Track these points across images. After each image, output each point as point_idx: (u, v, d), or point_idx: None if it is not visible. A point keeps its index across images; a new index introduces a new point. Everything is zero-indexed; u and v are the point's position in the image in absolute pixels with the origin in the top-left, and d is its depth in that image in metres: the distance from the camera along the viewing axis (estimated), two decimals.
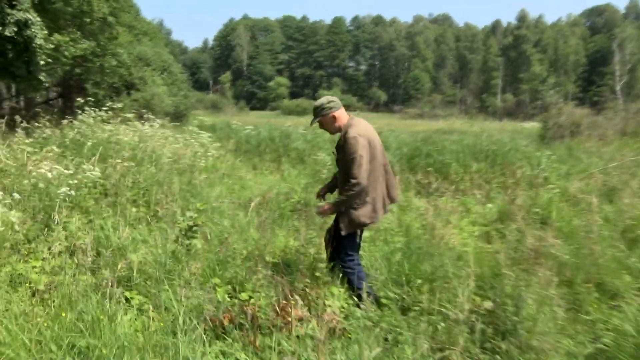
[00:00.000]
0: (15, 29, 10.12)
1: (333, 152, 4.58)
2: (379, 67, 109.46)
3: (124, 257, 4.77)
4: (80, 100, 10.10)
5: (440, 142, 12.38)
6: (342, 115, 4.33)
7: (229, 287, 4.47)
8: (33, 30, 10.52)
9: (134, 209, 6.21)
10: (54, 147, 7.06)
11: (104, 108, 10.21)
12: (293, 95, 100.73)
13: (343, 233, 4.23)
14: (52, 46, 12.31)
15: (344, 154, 4.13)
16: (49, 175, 5.51)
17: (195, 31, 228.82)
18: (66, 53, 14.52)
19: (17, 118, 8.58)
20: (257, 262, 4.82)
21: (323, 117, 4.32)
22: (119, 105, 10.49)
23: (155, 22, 69.18)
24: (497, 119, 67.83)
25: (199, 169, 9.59)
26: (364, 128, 4.26)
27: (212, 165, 10.62)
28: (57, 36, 13.52)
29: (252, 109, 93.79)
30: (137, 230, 5.66)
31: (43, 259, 4.78)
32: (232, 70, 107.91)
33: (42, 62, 11.31)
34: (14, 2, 10.02)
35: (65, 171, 5.75)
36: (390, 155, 10.05)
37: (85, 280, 4.55)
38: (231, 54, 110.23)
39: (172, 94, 39.53)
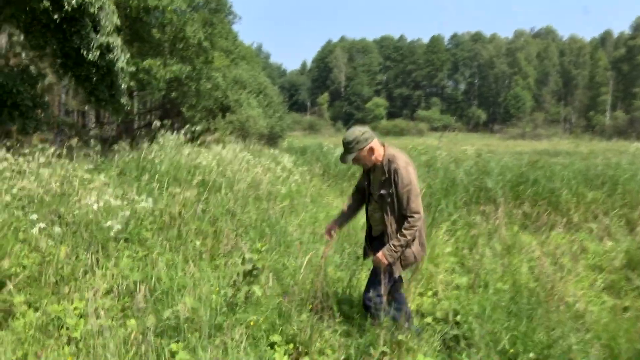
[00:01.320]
0: (98, 53, 10.20)
1: (360, 188, 4.27)
2: (478, 86, 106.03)
3: (174, 301, 4.24)
4: (161, 123, 9.94)
5: (548, 166, 11.06)
6: (378, 146, 3.90)
7: (291, 346, 3.78)
8: (115, 54, 10.58)
9: (197, 242, 5.70)
10: (101, 177, 6.66)
11: (183, 131, 9.99)
12: (390, 115, 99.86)
13: (396, 275, 3.91)
14: (133, 69, 12.42)
15: (395, 186, 3.75)
16: (94, 207, 5.10)
17: (293, 54, 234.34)
18: (157, 76, 14.76)
19: (75, 143, 8.37)
20: (327, 315, 4.10)
21: (360, 151, 3.83)
22: (199, 128, 10.23)
23: (254, 47, 71.31)
24: (606, 138, 63.06)
25: (279, 195, 9.05)
26: (406, 156, 3.94)
27: (296, 190, 10.07)
28: (148, 61, 13.74)
29: (349, 128, 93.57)
30: (197, 267, 5.15)
31: (86, 300, 4.34)
32: (330, 91, 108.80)
33: (123, 86, 11.39)
34: (97, 28, 10.11)
35: (113, 202, 5.32)
36: (491, 182, 9.01)
37: (130, 325, 4.08)
38: (329, 75, 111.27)
39: (267, 116, 40.12)
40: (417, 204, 3.70)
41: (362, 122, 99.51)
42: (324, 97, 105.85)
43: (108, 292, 4.75)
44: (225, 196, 7.33)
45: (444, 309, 4.55)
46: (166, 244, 5.44)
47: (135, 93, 29.92)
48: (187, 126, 10.12)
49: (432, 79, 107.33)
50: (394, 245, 3.73)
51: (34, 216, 5.10)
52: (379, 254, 3.80)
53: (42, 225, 4.88)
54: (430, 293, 5.13)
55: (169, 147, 9.85)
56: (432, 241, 6.35)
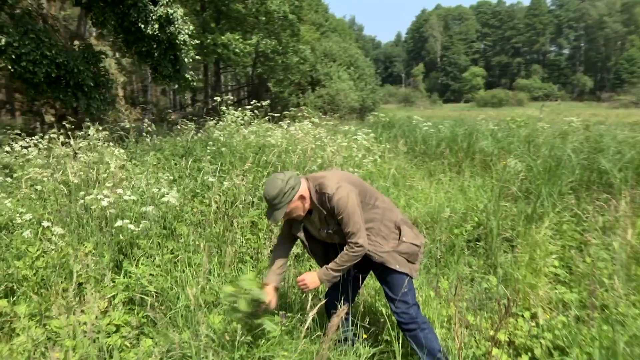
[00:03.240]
0: (157, 26, 9.58)
1: (288, 236, 3.55)
2: (584, 50, 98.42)
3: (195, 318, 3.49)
4: (237, 99, 9.21)
5: None
6: (306, 189, 3.24)
7: None
8: (176, 25, 9.93)
9: (244, 238, 4.89)
10: (134, 163, 5.94)
11: (248, 107, 9.21)
12: (489, 85, 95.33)
13: (415, 275, 3.32)
14: (197, 42, 11.79)
15: (337, 216, 3.14)
16: (104, 203, 4.36)
17: (388, 25, 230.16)
18: (236, 50, 14.16)
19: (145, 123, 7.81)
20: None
21: (290, 204, 3.16)
22: (265, 103, 9.42)
23: (346, 19, 70.00)
24: None
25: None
26: (331, 173, 3.31)
27: (377, 172, 9.04)
28: (227, 35, 13.11)
29: (446, 101, 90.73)
30: (235, 274, 4.36)
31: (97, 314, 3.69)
32: (425, 62, 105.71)
33: (187, 60, 10.76)
34: None
35: (127, 197, 4.56)
36: (607, 162, 7.50)
37: (144, 348, 3.38)
38: (424, 45, 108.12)
39: (358, 89, 39.03)
40: (357, 227, 3.11)
41: (458, 93, 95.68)
42: (419, 69, 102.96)
43: (127, 302, 4.07)
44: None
45: (546, 342, 3.44)
46: (200, 243, 4.68)
47: (221, 70, 29.94)
48: (254, 102, 9.32)
49: (533, 45, 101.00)
50: (332, 269, 3.18)
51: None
52: (309, 275, 3.25)
53: (47, 224, 4.25)
54: (527, 314, 4.01)
55: (236, 124, 9.13)
56: (531, 239, 5.16)
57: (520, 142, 10.68)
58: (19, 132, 7.92)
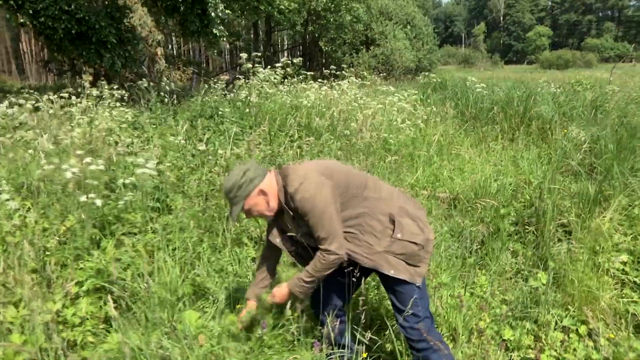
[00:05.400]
0: None
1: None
2: None
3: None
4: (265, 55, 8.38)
5: None
6: (270, 184, 2.63)
7: None
8: None
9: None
10: (123, 125, 5.24)
11: (280, 64, 8.41)
12: (554, 46, 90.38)
13: (418, 282, 2.57)
14: None
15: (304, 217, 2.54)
16: (68, 174, 3.70)
17: None
18: (281, 7, 13.33)
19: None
20: None
21: (247, 199, 2.59)
22: (297, 60, 8.60)
23: None
24: None
25: (393, 144, 7.21)
26: (300, 165, 2.68)
27: (421, 137, 8.12)
28: None
29: (507, 63, 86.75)
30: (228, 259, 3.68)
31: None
32: (487, 21, 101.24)
33: (214, 14, 9.97)
34: None
35: (96, 166, 3.87)
36: None
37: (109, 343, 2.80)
38: (487, 3, 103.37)
39: (414, 49, 37.33)
40: (328, 230, 2.48)
41: (521, 54, 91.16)
42: (480, 28, 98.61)
43: (99, 289, 3.45)
44: (313, 144, 5.74)
45: None
46: (190, 221, 4.00)
47: (273, 29, 29.13)
48: (284, 59, 8.52)
49: (608, 0, 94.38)
50: (304, 280, 2.60)
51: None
52: (278, 288, 2.74)
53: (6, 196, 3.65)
54: (582, 330, 3.14)
55: (267, 84, 8.38)
56: (593, 227, 4.23)
57: (585, 107, 9.46)
58: (31, 90, 7.41)
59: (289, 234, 2.73)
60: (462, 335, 3.04)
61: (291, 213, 2.57)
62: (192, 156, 5.08)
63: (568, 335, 3.08)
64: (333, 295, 2.87)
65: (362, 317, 2.72)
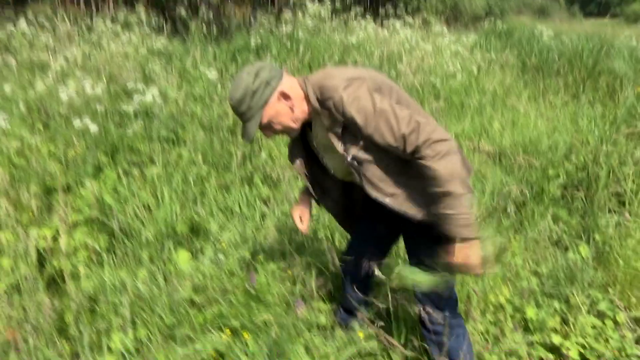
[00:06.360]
0: None
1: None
2: None
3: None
4: None
5: None
6: (293, 86, 1.96)
7: None
8: None
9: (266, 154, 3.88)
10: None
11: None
12: None
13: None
14: None
15: (360, 129, 1.80)
16: (63, 96, 3.41)
17: None
18: None
19: None
20: None
21: (265, 109, 1.92)
22: None
23: None
24: None
25: (443, 89, 6.68)
26: (344, 68, 1.96)
27: (476, 83, 7.52)
28: None
29: (587, 15, 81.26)
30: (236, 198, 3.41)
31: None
32: None
33: None
34: None
35: (93, 89, 3.57)
36: None
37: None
38: None
39: None
40: (413, 121, 1.75)
41: (605, 5, 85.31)
42: None
43: (93, 221, 3.25)
44: None
45: None
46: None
47: None
48: None
49: None
50: (458, 212, 1.73)
51: None
52: (463, 246, 1.78)
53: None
54: (621, 318, 2.70)
55: (316, 19, 7.92)
56: None
57: None
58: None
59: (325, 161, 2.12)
60: (476, 309, 2.68)
61: (338, 129, 1.88)
62: (217, 87, 4.76)
63: (603, 322, 2.66)
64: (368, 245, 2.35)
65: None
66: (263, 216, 3.57)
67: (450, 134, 1.81)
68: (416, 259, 1.98)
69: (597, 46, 9.49)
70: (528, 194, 4.23)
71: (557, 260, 3.30)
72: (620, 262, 3.00)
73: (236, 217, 3.49)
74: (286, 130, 2.04)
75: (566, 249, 3.58)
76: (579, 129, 5.98)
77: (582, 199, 4.18)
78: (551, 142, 5.37)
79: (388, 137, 1.78)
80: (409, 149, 1.76)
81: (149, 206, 3.32)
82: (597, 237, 3.52)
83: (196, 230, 3.24)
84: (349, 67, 2.03)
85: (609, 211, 3.94)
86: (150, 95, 3.66)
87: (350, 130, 1.86)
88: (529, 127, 6.07)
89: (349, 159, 1.90)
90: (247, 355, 2.21)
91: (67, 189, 3.56)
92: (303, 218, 2.32)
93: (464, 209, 1.73)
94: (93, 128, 3.39)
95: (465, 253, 1.78)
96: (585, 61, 8.84)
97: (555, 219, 3.98)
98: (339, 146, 1.90)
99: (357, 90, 1.80)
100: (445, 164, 1.72)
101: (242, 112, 1.92)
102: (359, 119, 1.79)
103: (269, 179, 3.93)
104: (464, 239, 1.76)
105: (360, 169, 1.92)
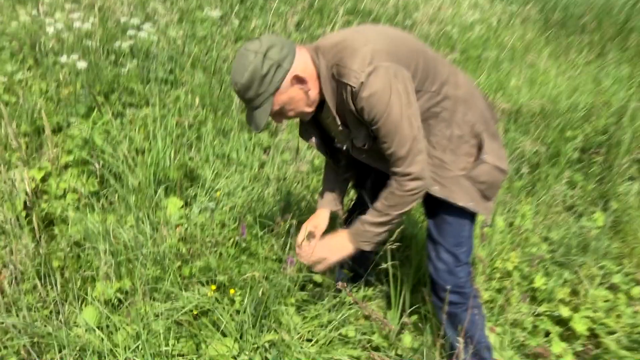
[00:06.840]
0: None
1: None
2: None
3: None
4: None
5: None
6: (306, 63, 1.67)
7: None
8: None
9: None
10: None
11: None
12: None
13: (466, 204, 1.76)
14: None
15: (372, 123, 1.62)
16: (50, 29, 3.19)
17: None
18: None
19: None
20: None
21: (277, 96, 1.64)
22: None
23: None
24: None
25: (458, 42, 6.37)
26: (369, 41, 1.64)
27: (495, 38, 7.18)
28: None
29: None
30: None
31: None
32: None
33: None
34: None
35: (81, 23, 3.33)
36: None
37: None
38: None
39: None
40: (409, 146, 1.62)
41: None
42: None
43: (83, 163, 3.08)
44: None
45: None
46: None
47: None
48: None
49: None
50: (373, 224, 1.76)
51: None
52: (333, 239, 1.89)
53: None
54: (636, 292, 2.54)
55: None
56: None
57: None
58: None
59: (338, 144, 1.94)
60: (481, 274, 2.52)
61: (342, 115, 1.73)
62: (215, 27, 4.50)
63: (616, 296, 2.50)
64: None
65: None
66: (262, 165, 3.40)
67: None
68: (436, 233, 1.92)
69: (630, 0, 9.02)
70: (543, 155, 4.02)
71: (570, 227, 3.11)
72: (639, 232, 2.82)
73: (233, 166, 3.31)
74: (300, 115, 1.81)
75: (580, 215, 3.38)
76: (601, 89, 5.70)
77: (600, 164, 3.96)
78: (571, 102, 5.12)
79: (383, 140, 1.66)
80: (391, 161, 1.69)
81: (143, 150, 3.14)
82: (614, 204, 3.32)
83: (190, 176, 3.07)
84: (368, 31, 1.75)
85: (629, 179, 3.72)
86: (145, 32, 3.41)
87: (355, 116, 1.69)
88: (548, 85, 5.78)
89: (359, 145, 1.80)
90: (230, 314, 2.07)
91: (58, 130, 3.40)
92: (315, 233, 2.01)
93: (379, 230, 1.77)
94: (81, 65, 3.18)
95: (336, 248, 1.84)
96: (616, 17, 8.41)
97: (571, 183, 3.77)
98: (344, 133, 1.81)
99: (377, 82, 1.57)
100: (405, 198, 1.70)
101: (249, 99, 1.66)
102: (367, 116, 1.62)
103: (270, 125, 3.73)
104: (352, 243, 1.82)
105: (371, 152, 1.82)
